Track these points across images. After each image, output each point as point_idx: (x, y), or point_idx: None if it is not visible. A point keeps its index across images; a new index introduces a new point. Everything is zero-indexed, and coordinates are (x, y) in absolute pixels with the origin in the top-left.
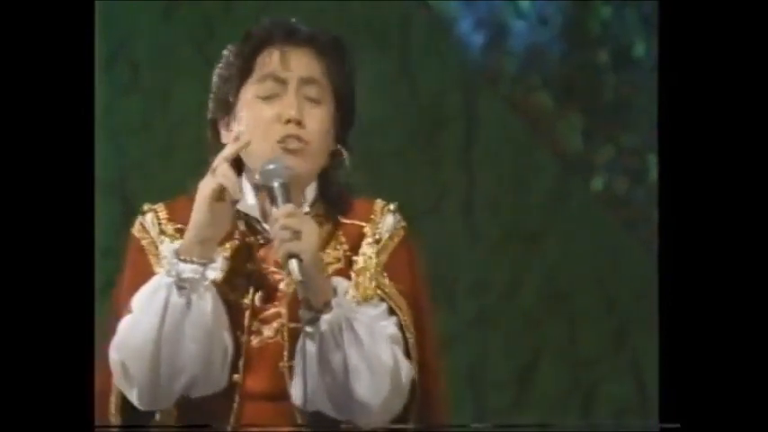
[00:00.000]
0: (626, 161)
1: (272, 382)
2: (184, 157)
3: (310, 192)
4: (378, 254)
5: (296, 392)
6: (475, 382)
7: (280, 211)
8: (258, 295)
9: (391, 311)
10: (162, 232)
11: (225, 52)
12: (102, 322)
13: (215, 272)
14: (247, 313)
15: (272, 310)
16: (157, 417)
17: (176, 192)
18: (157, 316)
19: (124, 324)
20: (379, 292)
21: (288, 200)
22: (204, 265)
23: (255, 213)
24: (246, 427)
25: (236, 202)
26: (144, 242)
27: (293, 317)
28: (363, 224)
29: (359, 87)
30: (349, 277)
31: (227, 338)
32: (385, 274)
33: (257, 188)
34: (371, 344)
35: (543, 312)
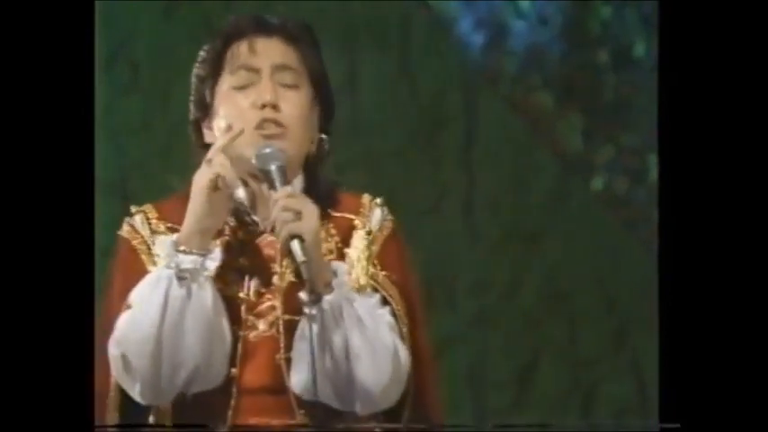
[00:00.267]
0: (626, 161)
1: (270, 375)
2: (184, 157)
3: (297, 184)
4: (369, 245)
5: (296, 380)
6: (475, 382)
7: (280, 193)
8: (252, 289)
9: (385, 301)
10: (154, 232)
11: (201, 53)
12: (101, 323)
13: (214, 262)
14: (243, 307)
15: (266, 304)
16: (151, 419)
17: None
18: (159, 307)
19: (124, 319)
20: (372, 282)
21: (285, 182)
22: (203, 255)
23: (245, 206)
24: (244, 423)
25: (231, 192)
26: (135, 242)
27: (288, 309)
28: (353, 217)
29: (359, 87)
30: None
31: (227, 330)
32: (377, 264)
33: (244, 182)
34: (373, 326)
35: (543, 312)
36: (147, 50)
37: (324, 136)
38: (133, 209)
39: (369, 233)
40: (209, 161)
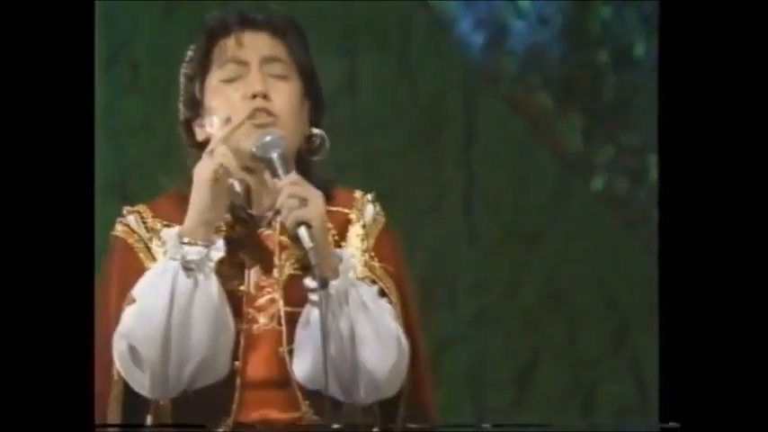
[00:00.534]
0: (626, 161)
1: (273, 368)
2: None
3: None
4: (365, 239)
5: (299, 368)
6: (475, 382)
7: (284, 181)
8: (252, 283)
9: (382, 292)
10: (151, 230)
11: (188, 52)
12: (99, 323)
13: (218, 253)
14: (244, 300)
15: (266, 297)
16: (149, 419)
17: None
18: (166, 298)
19: (129, 313)
20: (370, 274)
21: (288, 170)
22: (207, 247)
23: (241, 201)
24: (248, 417)
25: (230, 184)
26: (131, 241)
27: (289, 301)
28: (348, 211)
29: (359, 87)
30: None
31: (231, 321)
32: (374, 256)
33: (241, 179)
34: (377, 311)
35: (543, 312)
36: (147, 50)
37: (316, 130)
38: (125, 209)
39: (364, 226)
40: (211, 152)
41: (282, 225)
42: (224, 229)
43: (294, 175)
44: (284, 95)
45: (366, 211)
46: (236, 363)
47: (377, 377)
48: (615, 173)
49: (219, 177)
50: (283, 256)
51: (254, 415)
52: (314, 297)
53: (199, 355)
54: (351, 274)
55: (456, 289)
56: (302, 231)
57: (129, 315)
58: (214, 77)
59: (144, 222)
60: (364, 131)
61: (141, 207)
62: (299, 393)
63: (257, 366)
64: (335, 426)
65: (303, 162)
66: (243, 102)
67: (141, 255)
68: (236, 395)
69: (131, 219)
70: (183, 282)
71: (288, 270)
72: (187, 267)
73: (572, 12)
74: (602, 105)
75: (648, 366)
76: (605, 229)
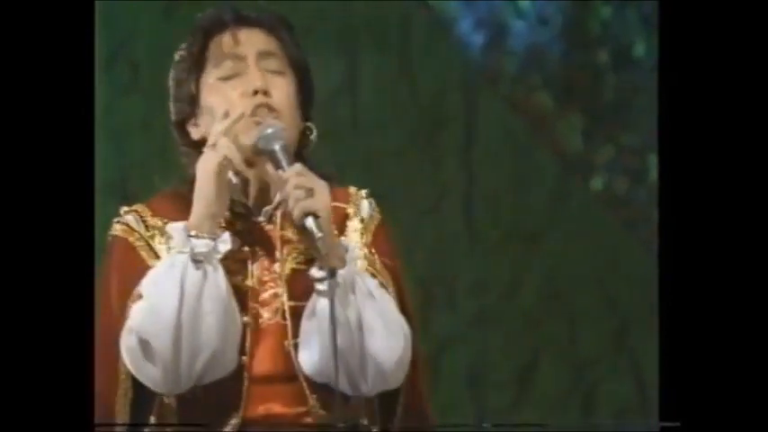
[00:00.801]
0: (626, 161)
1: (279, 363)
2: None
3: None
4: (363, 233)
5: (305, 360)
6: (475, 382)
7: (289, 172)
8: (255, 278)
9: (382, 286)
10: (152, 228)
11: (178, 54)
12: (100, 322)
13: (225, 245)
14: (249, 294)
15: (269, 292)
16: (152, 419)
17: None
18: (176, 291)
19: (138, 309)
20: (369, 268)
21: (291, 161)
22: (214, 239)
23: (240, 197)
24: (255, 412)
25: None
26: (131, 239)
27: (293, 296)
28: (345, 206)
29: (359, 87)
30: None
31: (238, 314)
32: (373, 251)
33: (237, 173)
34: (383, 300)
35: (543, 312)
36: (147, 50)
37: (309, 123)
38: (123, 209)
39: (362, 221)
40: (214, 146)
41: (283, 220)
42: (223, 225)
43: (299, 166)
44: (282, 91)
45: (362, 206)
46: (244, 357)
47: (384, 366)
48: (615, 173)
49: (223, 170)
50: (285, 251)
51: (261, 410)
52: (321, 287)
53: (210, 348)
54: (356, 265)
55: (456, 289)
56: (310, 221)
57: (137, 311)
58: (211, 75)
59: (144, 221)
60: (364, 131)
61: (139, 206)
62: (306, 387)
63: (263, 361)
64: (340, 425)
65: (299, 156)
66: (242, 99)
67: (143, 253)
68: (245, 390)
69: (130, 218)
70: (193, 274)
71: (290, 264)
72: (196, 260)
73: (572, 12)
74: (602, 105)
75: (648, 366)
76: (605, 229)
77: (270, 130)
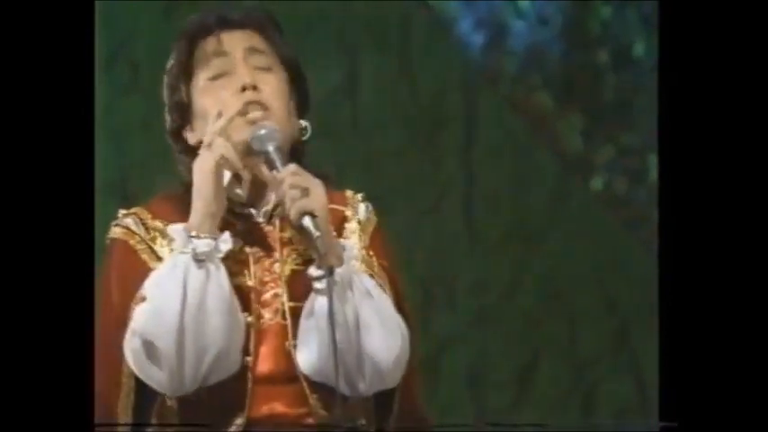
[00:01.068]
0: (626, 161)
1: (281, 363)
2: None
3: None
4: (361, 235)
5: (304, 359)
6: (475, 382)
7: (284, 173)
8: (255, 279)
9: (379, 286)
10: (152, 229)
11: (169, 61)
12: (101, 326)
13: (227, 244)
14: (252, 295)
15: (269, 292)
16: (154, 420)
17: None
18: (179, 292)
19: (141, 311)
20: (367, 270)
21: (286, 161)
22: (215, 239)
23: (236, 196)
24: (258, 413)
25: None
26: (132, 242)
27: (293, 296)
28: (343, 208)
29: (359, 87)
30: None
31: (241, 315)
32: (371, 253)
33: (233, 175)
34: (380, 299)
35: (543, 312)
36: (147, 50)
37: (304, 123)
38: (121, 213)
39: (359, 223)
40: (209, 145)
41: (282, 221)
42: (221, 226)
43: (293, 166)
44: (272, 87)
45: (359, 209)
46: (247, 358)
47: (382, 365)
48: (615, 173)
49: (221, 169)
50: (284, 252)
51: (264, 410)
52: (319, 285)
53: (215, 348)
54: (353, 263)
55: (456, 289)
56: (307, 221)
57: (141, 313)
58: (200, 78)
59: (143, 223)
60: (364, 131)
61: (137, 209)
62: (306, 387)
63: (265, 361)
64: (341, 426)
65: (295, 155)
66: (233, 97)
67: (144, 255)
68: (249, 390)
69: (129, 221)
70: (196, 273)
71: (290, 265)
72: (198, 259)
73: (572, 12)
74: (602, 105)
75: (648, 366)
76: (605, 229)
77: (263, 131)
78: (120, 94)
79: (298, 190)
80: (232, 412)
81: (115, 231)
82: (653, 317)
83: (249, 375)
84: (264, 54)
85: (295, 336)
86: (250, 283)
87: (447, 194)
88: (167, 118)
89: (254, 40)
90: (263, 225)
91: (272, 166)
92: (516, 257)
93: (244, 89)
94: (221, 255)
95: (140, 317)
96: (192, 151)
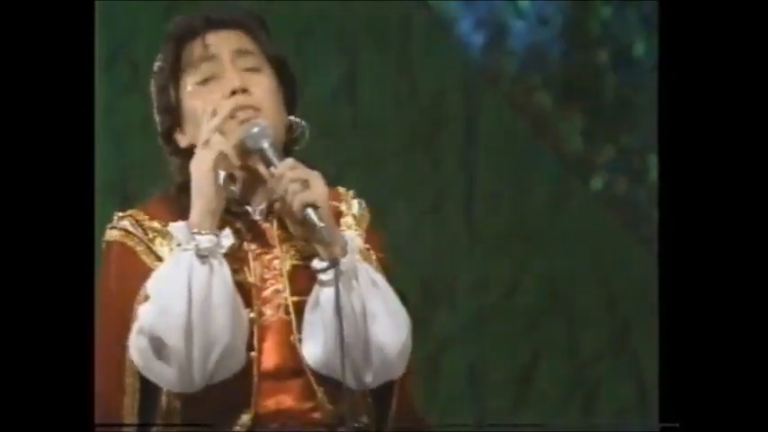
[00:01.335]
0: (626, 161)
1: (287, 358)
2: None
3: None
4: (356, 230)
5: (310, 352)
6: (475, 382)
7: (281, 168)
8: (256, 275)
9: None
10: (151, 230)
11: (156, 63)
12: (101, 326)
13: (228, 240)
14: (253, 292)
15: (270, 289)
16: (159, 420)
17: None
18: (184, 288)
19: (146, 310)
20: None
21: (281, 157)
22: (217, 235)
23: (233, 194)
24: (265, 408)
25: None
26: (130, 243)
27: (295, 291)
28: (337, 204)
29: (359, 87)
30: None
31: (244, 311)
32: (368, 247)
33: (228, 174)
34: (385, 288)
35: (543, 312)
36: (147, 50)
37: (295, 118)
38: (117, 215)
39: (354, 218)
40: (206, 143)
41: (280, 217)
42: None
43: (290, 160)
44: (262, 87)
45: (353, 204)
46: (252, 353)
47: (389, 353)
48: (615, 173)
49: (219, 166)
50: (284, 248)
51: (272, 404)
52: (324, 277)
53: (221, 343)
54: (356, 254)
55: (456, 289)
56: (310, 213)
57: (146, 311)
58: (188, 82)
59: (141, 225)
60: (364, 131)
61: (133, 211)
62: (313, 381)
63: (270, 356)
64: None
65: (287, 153)
66: (223, 101)
67: (144, 256)
68: (255, 386)
69: (126, 223)
70: (199, 269)
71: (290, 261)
72: (201, 255)
73: (572, 12)
74: (602, 105)
75: (648, 366)
76: (605, 229)
77: (256, 129)
78: (120, 94)
79: (298, 183)
80: (237, 409)
81: (112, 234)
82: (653, 317)
83: (254, 371)
84: (252, 54)
85: (299, 330)
86: (250, 279)
87: (447, 194)
88: (157, 119)
89: (242, 40)
90: (260, 222)
91: (268, 163)
92: (516, 257)
93: (233, 93)
94: (224, 250)
95: (146, 315)
96: (183, 153)
